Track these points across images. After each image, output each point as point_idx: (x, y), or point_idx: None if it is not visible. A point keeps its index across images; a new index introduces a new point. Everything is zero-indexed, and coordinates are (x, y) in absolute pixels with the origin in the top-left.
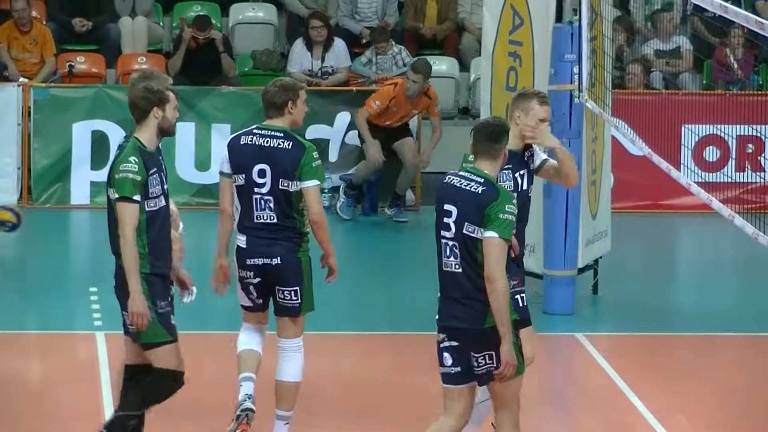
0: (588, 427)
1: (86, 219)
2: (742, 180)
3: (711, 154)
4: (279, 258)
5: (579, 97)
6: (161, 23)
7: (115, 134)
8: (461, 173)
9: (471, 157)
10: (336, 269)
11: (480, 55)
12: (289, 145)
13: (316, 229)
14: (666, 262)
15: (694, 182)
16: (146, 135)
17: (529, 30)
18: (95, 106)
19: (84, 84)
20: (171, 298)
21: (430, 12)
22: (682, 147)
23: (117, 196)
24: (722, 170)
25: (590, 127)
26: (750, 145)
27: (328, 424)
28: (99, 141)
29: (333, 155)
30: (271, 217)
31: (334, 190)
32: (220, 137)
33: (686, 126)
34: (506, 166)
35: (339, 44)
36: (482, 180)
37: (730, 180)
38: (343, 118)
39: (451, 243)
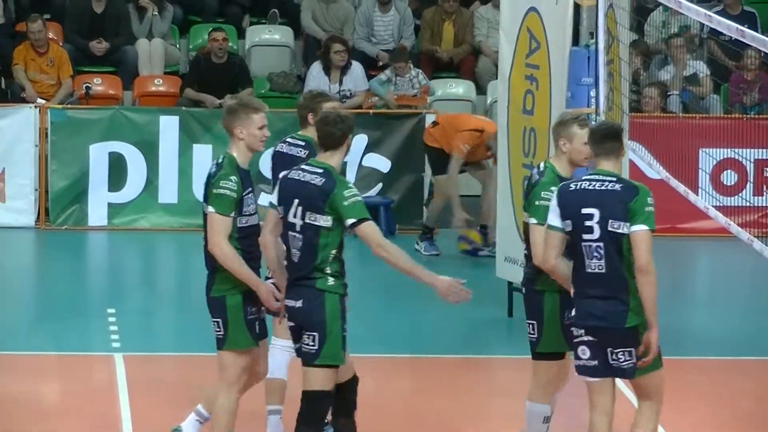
0: None
1: (103, 240)
2: (760, 204)
3: (729, 177)
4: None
5: (596, 121)
6: (177, 45)
7: (132, 156)
8: (592, 177)
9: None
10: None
11: (496, 78)
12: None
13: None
14: (683, 286)
15: (712, 206)
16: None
17: (546, 53)
18: (112, 127)
19: (101, 106)
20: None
21: (446, 35)
22: (700, 170)
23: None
24: (740, 194)
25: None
26: None
27: None
28: (116, 162)
29: (350, 178)
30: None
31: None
32: None
33: (703, 150)
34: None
35: (356, 67)
36: (615, 179)
37: (748, 204)
38: (360, 141)
39: (594, 245)
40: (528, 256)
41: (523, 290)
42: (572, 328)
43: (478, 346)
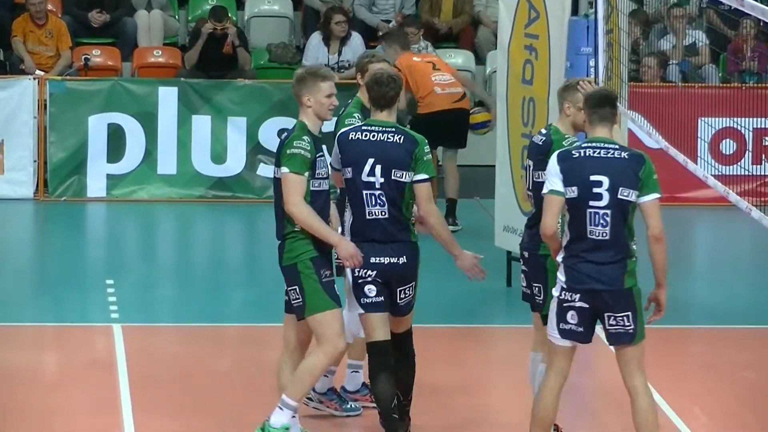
0: (604, 419)
1: (102, 212)
2: (758, 173)
3: (727, 146)
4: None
5: None
6: (177, 17)
7: (131, 127)
8: (594, 144)
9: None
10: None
11: (496, 48)
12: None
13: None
14: (682, 255)
15: (711, 175)
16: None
17: (545, 23)
18: (111, 99)
19: (100, 77)
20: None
21: (445, 5)
22: (699, 140)
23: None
24: (739, 163)
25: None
26: (767, 138)
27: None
28: (115, 134)
29: None
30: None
31: None
32: (236, 130)
33: (702, 119)
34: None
35: (356, 38)
36: (617, 146)
37: (746, 173)
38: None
39: (602, 212)
40: (533, 220)
41: (526, 254)
42: (563, 293)
43: (477, 315)
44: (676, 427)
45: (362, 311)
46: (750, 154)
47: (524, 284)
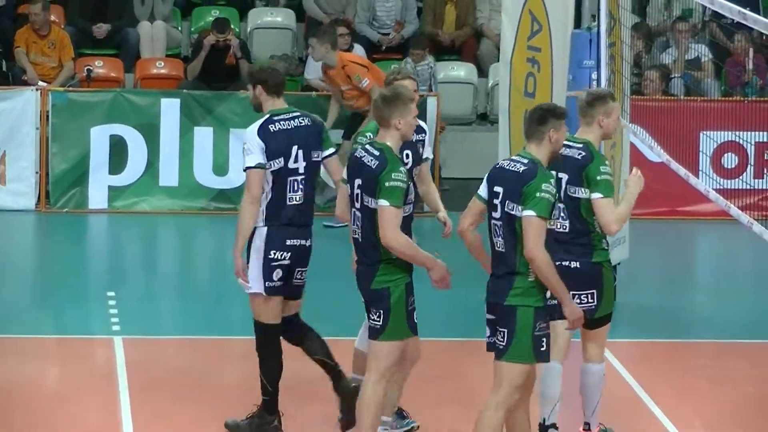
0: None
1: (104, 223)
2: (760, 187)
3: (729, 160)
4: None
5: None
6: (180, 28)
7: (133, 139)
8: (513, 156)
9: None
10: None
11: (498, 60)
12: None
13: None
14: (684, 269)
15: (713, 189)
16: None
17: (548, 36)
18: (113, 110)
19: (102, 88)
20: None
21: (448, 18)
22: (701, 153)
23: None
24: (740, 177)
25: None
26: None
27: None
28: (117, 145)
29: None
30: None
31: None
32: (238, 142)
33: (704, 132)
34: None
35: (358, 50)
36: (526, 160)
37: (748, 187)
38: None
39: (498, 223)
40: (579, 230)
41: (578, 264)
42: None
43: (471, 329)
44: None
45: (264, 294)
46: (752, 167)
47: None
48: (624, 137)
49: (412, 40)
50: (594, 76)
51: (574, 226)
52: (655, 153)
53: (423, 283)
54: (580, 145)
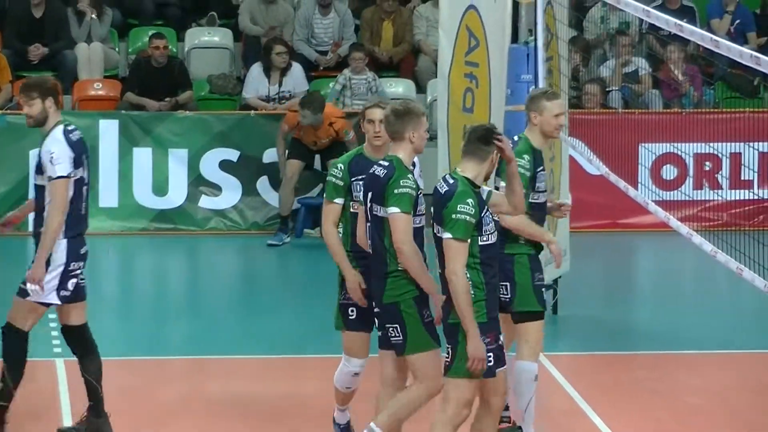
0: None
1: None
2: (699, 198)
3: (668, 172)
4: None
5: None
6: (117, 49)
7: None
8: (445, 176)
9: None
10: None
11: (436, 76)
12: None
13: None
14: (625, 281)
15: (652, 201)
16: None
17: (485, 51)
18: None
19: None
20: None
21: (386, 34)
22: (640, 166)
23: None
24: (680, 188)
25: (548, 146)
26: (707, 163)
27: None
28: None
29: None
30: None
31: (295, 212)
32: (178, 162)
33: (643, 145)
34: (540, 168)
35: (296, 68)
36: (452, 181)
37: (687, 198)
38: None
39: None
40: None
41: None
42: None
43: None
44: None
45: (59, 302)
46: (691, 179)
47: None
48: (563, 150)
49: (352, 46)
50: (532, 89)
51: None
52: (594, 166)
53: None
54: (512, 140)
